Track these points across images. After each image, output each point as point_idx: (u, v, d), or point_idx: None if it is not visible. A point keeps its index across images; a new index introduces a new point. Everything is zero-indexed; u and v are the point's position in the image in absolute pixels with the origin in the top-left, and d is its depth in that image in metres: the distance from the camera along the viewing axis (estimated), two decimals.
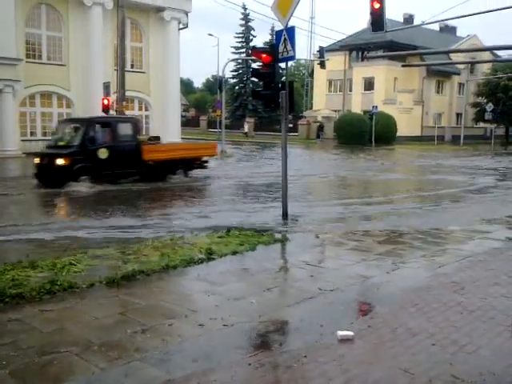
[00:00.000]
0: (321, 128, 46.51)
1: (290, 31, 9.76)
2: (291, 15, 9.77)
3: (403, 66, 27.37)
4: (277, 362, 4.12)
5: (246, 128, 51.22)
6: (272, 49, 9.85)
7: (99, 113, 23.43)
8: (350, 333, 4.61)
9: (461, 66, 52.08)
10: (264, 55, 9.76)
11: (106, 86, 21.65)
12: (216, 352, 4.28)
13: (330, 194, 15.97)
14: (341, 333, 4.60)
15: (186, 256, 7.15)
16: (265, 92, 9.95)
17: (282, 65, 10.65)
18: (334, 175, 20.83)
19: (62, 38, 27.15)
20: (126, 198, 14.03)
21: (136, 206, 12.81)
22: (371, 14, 16.16)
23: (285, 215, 10.20)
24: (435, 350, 4.34)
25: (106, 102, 20.93)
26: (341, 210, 12.34)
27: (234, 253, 7.54)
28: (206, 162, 18.97)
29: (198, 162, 18.57)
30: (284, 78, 10.48)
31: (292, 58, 9.92)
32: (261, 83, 10.00)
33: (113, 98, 23.30)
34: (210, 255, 7.31)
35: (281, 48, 9.78)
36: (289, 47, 9.70)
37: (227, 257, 7.39)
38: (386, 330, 4.76)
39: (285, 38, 9.74)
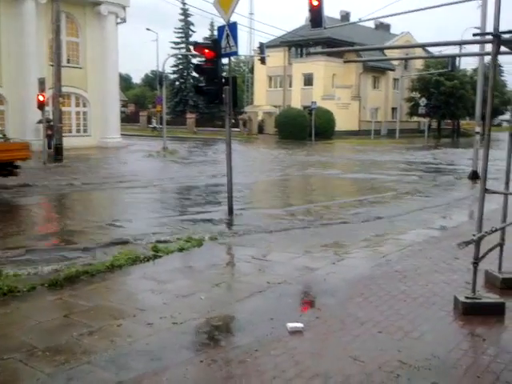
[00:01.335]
0: (244, 124, 47.08)
1: (233, 27, 9.74)
2: (233, 11, 9.75)
3: (345, 61, 28.05)
4: (229, 357, 4.11)
5: (155, 123, 50.86)
6: (215, 44, 9.79)
7: (34, 109, 22.60)
8: (300, 324, 4.67)
9: (395, 63, 53.76)
10: (207, 50, 9.68)
11: (41, 82, 20.83)
12: (167, 351, 4.23)
13: (273, 196, 16.10)
14: (291, 325, 4.65)
15: (131, 254, 7.01)
16: (208, 88, 9.87)
17: (224, 60, 10.63)
18: (276, 174, 20.99)
19: None
20: None
21: None
22: (310, 11, 16.32)
23: (230, 211, 10.19)
24: (383, 337, 4.47)
25: (41, 98, 20.16)
26: (283, 206, 12.47)
27: (181, 250, 7.46)
28: (17, 167, 14.18)
29: (7, 168, 13.87)
30: (226, 73, 10.46)
31: (235, 53, 9.90)
32: (202, 79, 9.95)
33: (48, 94, 22.50)
34: (156, 253, 7.21)
35: (223, 43, 9.75)
36: (231, 42, 9.68)
37: (174, 254, 7.31)
38: (334, 321, 4.86)
39: (227, 34, 9.71)
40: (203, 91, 10.06)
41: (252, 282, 6.03)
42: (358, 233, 8.88)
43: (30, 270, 6.34)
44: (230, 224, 9.70)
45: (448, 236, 8.68)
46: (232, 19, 10.03)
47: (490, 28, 16.42)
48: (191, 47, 62.28)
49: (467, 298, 5.05)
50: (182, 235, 8.30)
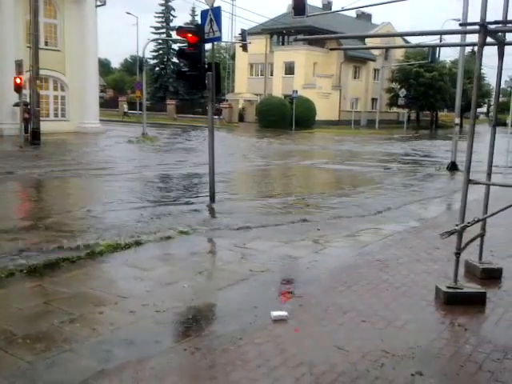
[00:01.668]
0: (219, 112, 46.73)
1: (216, 11, 9.60)
2: None
3: (331, 49, 28.01)
4: (213, 345, 4.08)
5: (126, 108, 50.47)
6: (198, 29, 9.63)
7: (11, 92, 22.12)
8: (284, 313, 4.66)
9: (376, 53, 53.96)
10: (190, 35, 9.52)
11: (19, 65, 20.40)
12: (150, 339, 4.18)
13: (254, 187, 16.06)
14: (275, 313, 4.64)
15: (111, 241, 6.92)
16: (191, 73, 9.72)
17: (207, 46, 10.51)
18: (257, 163, 20.94)
19: None
20: None
21: None
22: None
23: (212, 198, 10.13)
24: (366, 326, 4.49)
25: (18, 80, 19.73)
26: (264, 196, 12.45)
27: (163, 238, 7.39)
28: None
29: None
30: (208, 59, 10.34)
31: (219, 38, 9.78)
32: (182, 64, 9.79)
33: (25, 76, 22.02)
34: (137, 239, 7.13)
35: (207, 28, 9.60)
36: (215, 27, 9.54)
37: (155, 241, 7.23)
38: (318, 309, 4.86)
39: (211, 19, 9.57)
40: (186, 76, 9.92)
41: (235, 271, 6.00)
42: (340, 223, 8.90)
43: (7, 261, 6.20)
44: (212, 212, 9.64)
45: (428, 226, 8.77)
46: (215, 4, 9.93)
47: (471, 18, 16.47)
48: (172, 32, 61.63)
49: (449, 287, 5.10)
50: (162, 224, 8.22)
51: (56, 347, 3.96)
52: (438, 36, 31.55)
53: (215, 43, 10.78)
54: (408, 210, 10.32)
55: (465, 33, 15.02)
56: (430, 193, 12.94)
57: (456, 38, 21.97)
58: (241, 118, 47.43)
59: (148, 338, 4.18)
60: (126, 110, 49.82)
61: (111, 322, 4.48)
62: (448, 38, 19.76)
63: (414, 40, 52.61)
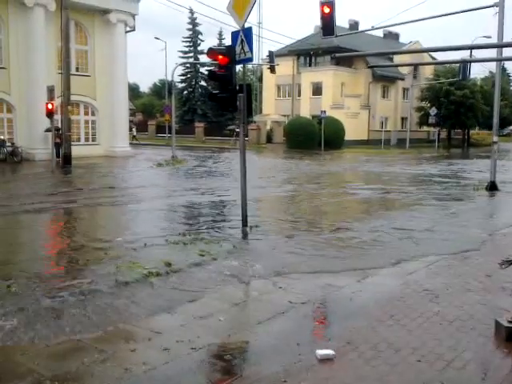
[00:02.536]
0: (236, 133, 46.59)
1: (247, 32, 9.42)
2: (248, 15, 9.42)
3: (369, 67, 27.83)
4: None
5: (135, 131, 49.71)
6: (229, 50, 9.44)
7: (42, 118, 22.42)
8: (331, 352, 4.28)
9: (405, 72, 53.41)
10: (221, 56, 9.33)
11: (51, 90, 20.67)
12: (186, 380, 3.85)
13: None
14: (320, 352, 4.27)
15: (142, 269, 6.65)
16: (222, 95, 9.53)
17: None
18: (290, 187, 20.59)
19: (1, 39, 25.73)
20: None
21: None
22: (322, 18, 16.05)
23: (244, 223, 9.81)
24: (423, 367, 4.07)
25: (50, 106, 19.96)
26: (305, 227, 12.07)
27: (196, 264, 7.09)
28: None
29: None
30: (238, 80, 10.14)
31: (250, 59, 9.57)
32: (210, 87, 9.56)
33: (57, 102, 22.32)
34: (169, 266, 6.86)
35: (238, 49, 9.41)
36: (246, 48, 9.35)
37: (187, 269, 6.93)
38: (366, 347, 4.46)
39: (242, 39, 9.39)
40: (217, 98, 9.72)
41: (273, 302, 5.64)
42: (381, 250, 8.46)
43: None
44: (245, 238, 9.30)
45: (474, 251, 8.26)
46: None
47: (507, 35, 15.92)
48: (200, 56, 62.36)
49: (511, 321, 4.64)
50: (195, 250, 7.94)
51: None
52: (469, 55, 31.14)
53: (241, 66, 10.60)
54: (449, 232, 9.80)
55: (501, 46, 14.54)
56: (470, 215, 12.35)
57: (484, 55, 21.36)
58: (269, 139, 47.28)
59: (183, 380, 3.85)
60: (135, 133, 49.13)
61: (144, 361, 4.16)
62: (478, 56, 19.24)
63: (442, 57, 51.83)
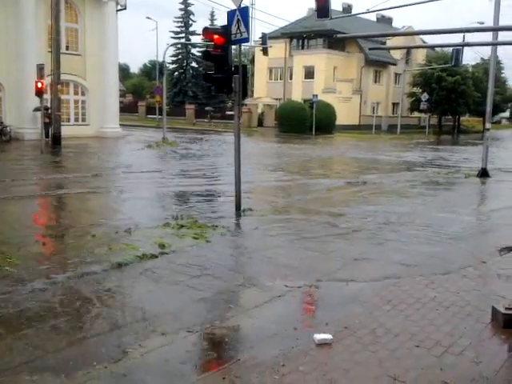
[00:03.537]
0: (211, 115, 48.94)
1: (244, 11, 9.23)
2: None
3: (370, 49, 27.80)
4: (254, 373, 3.69)
5: None
6: (225, 30, 9.27)
7: (32, 97, 22.03)
8: (329, 336, 4.25)
9: (397, 57, 53.24)
10: (216, 36, 9.17)
11: (40, 69, 20.21)
12: (183, 366, 3.81)
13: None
14: (318, 336, 4.24)
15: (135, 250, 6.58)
16: (217, 75, 9.37)
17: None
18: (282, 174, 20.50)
19: None
20: None
21: None
22: (317, 0, 15.90)
23: (238, 207, 9.74)
24: (421, 352, 4.05)
25: (39, 85, 19.57)
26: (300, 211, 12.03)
27: (190, 246, 7.03)
28: None
29: None
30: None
31: (246, 39, 9.38)
32: (201, 69, 9.39)
33: (47, 81, 21.94)
34: (162, 249, 6.81)
35: (234, 29, 9.23)
36: (242, 28, 9.16)
37: (181, 251, 6.87)
38: (364, 332, 4.44)
39: (238, 19, 9.20)
40: (212, 79, 9.55)
41: (270, 286, 5.59)
42: (376, 234, 8.45)
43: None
44: (238, 221, 9.24)
45: (468, 236, 8.29)
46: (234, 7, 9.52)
47: (503, 19, 15.71)
48: (192, 37, 61.63)
49: (508, 308, 4.64)
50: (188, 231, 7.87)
51: None
52: (462, 40, 31.02)
53: (234, 47, 10.44)
54: (443, 218, 9.80)
55: (496, 30, 14.41)
56: (460, 200, 12.39)
57: (478, 40, 21.17)
58: (260, 123, 47.04)
59: (180, 365, 3.81)
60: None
61: (141, 344, 4.10)
62: (471, 41, 19.05)
63: (436, 41, 51.62)
